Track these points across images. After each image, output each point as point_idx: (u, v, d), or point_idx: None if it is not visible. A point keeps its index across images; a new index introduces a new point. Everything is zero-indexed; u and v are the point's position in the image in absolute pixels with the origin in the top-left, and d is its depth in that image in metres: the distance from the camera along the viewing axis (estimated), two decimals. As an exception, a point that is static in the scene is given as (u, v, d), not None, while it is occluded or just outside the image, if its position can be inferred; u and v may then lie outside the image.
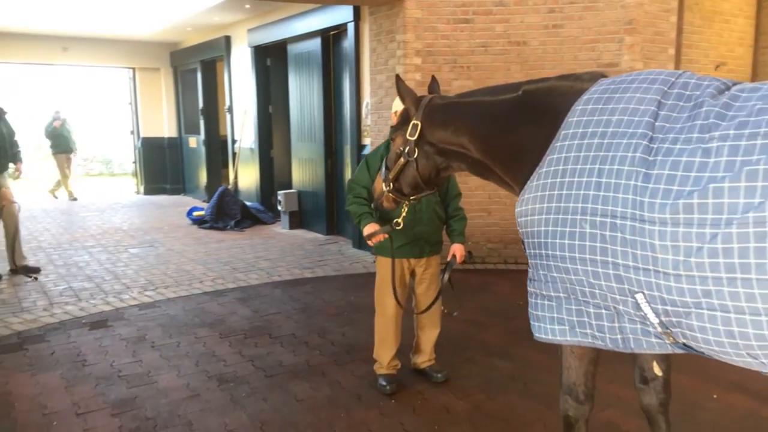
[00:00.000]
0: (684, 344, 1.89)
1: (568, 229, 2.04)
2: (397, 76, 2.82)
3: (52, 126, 12.54)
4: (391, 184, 2.77)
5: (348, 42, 7.62)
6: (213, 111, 12.03)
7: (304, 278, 6.26)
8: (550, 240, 2.10)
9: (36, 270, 6.46)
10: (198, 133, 12.37)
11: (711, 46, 7.42)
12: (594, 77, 2.22)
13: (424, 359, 3.80)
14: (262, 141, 9.95)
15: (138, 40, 12.70)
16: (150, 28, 11.33)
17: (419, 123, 2.59)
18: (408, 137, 2.62)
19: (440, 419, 3.31)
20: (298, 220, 9.04)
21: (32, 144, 12.99)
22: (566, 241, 2.05)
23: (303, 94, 8.73)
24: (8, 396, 3.57)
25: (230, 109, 11.02)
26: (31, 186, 13.67)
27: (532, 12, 6.36)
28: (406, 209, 2.99)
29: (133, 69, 13.45)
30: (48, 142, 12.83)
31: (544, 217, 2.12)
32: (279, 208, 9.12)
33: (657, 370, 2.32)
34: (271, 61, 9.80)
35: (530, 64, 6.42)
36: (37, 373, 3.90)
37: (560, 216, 2.06)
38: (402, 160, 2.67)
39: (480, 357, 4.12)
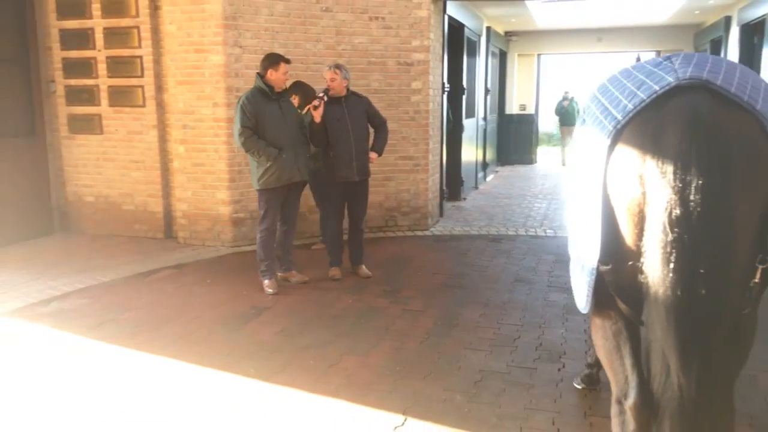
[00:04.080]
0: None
1: None
2: None
3: (561, 104, 15.35)
4: None
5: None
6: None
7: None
8: None
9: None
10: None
11: None
12: None
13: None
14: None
15: (660, 25, 13.84)
16: (664, 14, 12.40)
17: None
18: None
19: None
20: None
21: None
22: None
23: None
24: (406, 256, 6.39)
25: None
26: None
27: None
28: None
29: (658, 51, 14.65)
30: (556, 118, 15.79)
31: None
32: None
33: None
34: (757, 39, 9.59)
35: None
36: (429, 251, 6.60)
37: None
38: None
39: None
